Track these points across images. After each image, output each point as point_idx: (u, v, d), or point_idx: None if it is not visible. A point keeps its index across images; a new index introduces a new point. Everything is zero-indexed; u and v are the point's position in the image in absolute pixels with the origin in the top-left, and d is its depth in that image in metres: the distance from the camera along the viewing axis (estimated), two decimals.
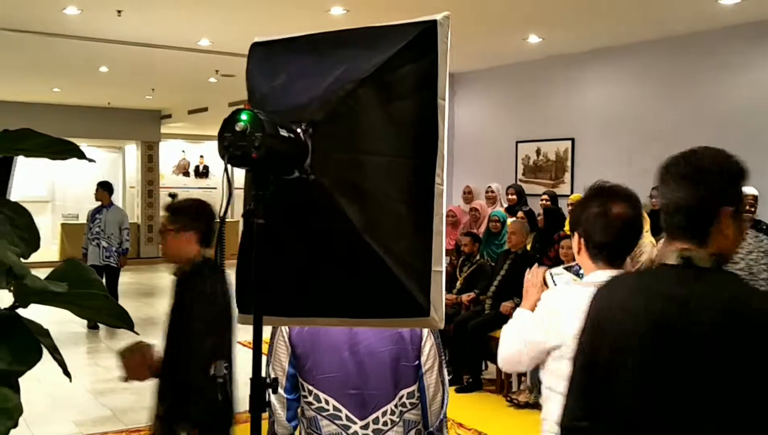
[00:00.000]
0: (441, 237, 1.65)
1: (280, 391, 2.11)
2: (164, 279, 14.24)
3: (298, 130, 1.52)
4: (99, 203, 9.17)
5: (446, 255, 8.18)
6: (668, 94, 7.96)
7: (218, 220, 1.49)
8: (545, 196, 8.07)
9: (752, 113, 7.11)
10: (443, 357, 2.17)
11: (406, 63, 1.64)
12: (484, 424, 5.46)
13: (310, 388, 2.08)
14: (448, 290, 7.48)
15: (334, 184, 1.56)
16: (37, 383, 5.79)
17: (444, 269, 1.68)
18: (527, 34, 8.04)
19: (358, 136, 1.60)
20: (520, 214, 7.58)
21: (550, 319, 2.21)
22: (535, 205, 8.25)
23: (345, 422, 2.06)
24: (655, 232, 6.33)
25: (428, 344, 2.10)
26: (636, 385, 1.55)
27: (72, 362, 6.16)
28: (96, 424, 5.77)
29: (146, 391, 6.87)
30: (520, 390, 6.08)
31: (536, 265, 2.61)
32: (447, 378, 2.16)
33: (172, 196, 17.47)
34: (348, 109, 1.58)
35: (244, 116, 1.40)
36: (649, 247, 6.26)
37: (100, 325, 9.13)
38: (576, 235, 2.22)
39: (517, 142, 9.71)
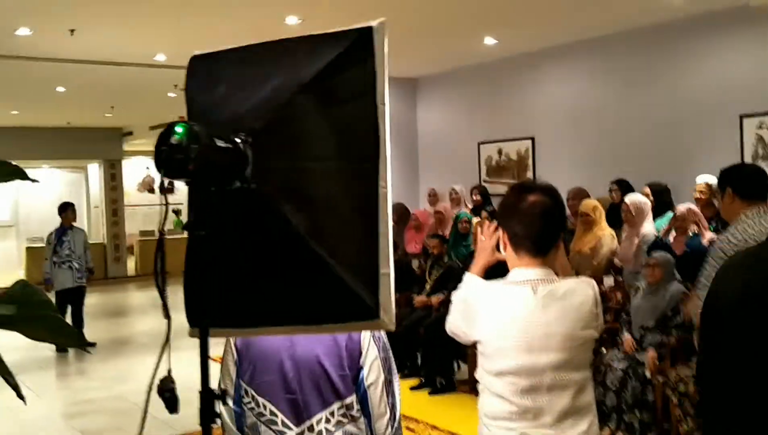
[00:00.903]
0: (387, 239, 1.66)
1: (230, 402, 2.11)
2: (133, 298, 14.10)
3: (237, 140, 1.52)
4: (59, 224, 9.02)
5: (414, 258, 8.23)
6: (624, 88, 8.08)
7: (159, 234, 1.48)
8: None
9: (707, 104, 7.24)
10: (393, 377, 2.15)
11: (344, 69, 1.65)
12: (458, 426, 5.46)
13: (252, 392, 2.09)
14: (419, 293, 7.51)
15: (277, 192, 1.56)
16: (7, 410, 5.70)
17: (392, 271, 1.69)
18: (482, 36, 8.11)
19: (299, 143, 1.61)
20: (484, 214, 7.63)
21: (468, 312, 2.23)
22: None
23: (281, 428, 2.06)
24: (614, 225, 6.43)
25: (370, 357, 2.10)
26: None
27: (42, 386, 6.10)
28: None
29: (117, 412, 6.76)
30: None
31: (487, 222, 2.60)
32: (398, 403, 2.14)
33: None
34: (288, 117, 1.59)
35: (179, 129, 1.40)
36: (609, 238, 6.36)
37: (68, 349, 8.99)
38: (501, 231, 2.24)
39: (480, 144, 9.79)
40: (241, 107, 1.62)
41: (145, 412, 1.55)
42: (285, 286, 1.59)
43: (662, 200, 6.67)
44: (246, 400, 2.10)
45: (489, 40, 8.28)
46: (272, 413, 2.08)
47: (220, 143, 1.46)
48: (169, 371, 1.49)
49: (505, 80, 9.37)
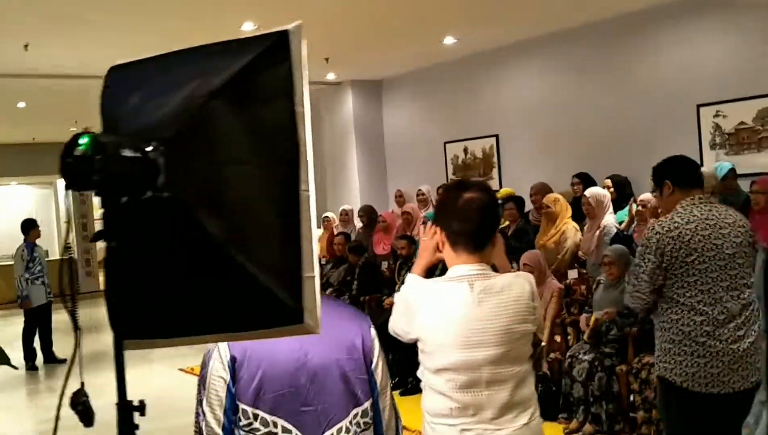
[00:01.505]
0: (311, 243, 1.66)
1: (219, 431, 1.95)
2: (105, 313, 13.95)
3: (148, 149, 1.51)
4: (23, 241, 8.92)
5: (383, 260, 8.23)
6: (583, 82, 8.13)
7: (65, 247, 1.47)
8: None
9: (665, 95, 7.31)
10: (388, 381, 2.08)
11: (260, 73, 1.65)
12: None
13: (256, 412, 1.91)
14: (389, 294, 7.50)
15: (192, 199, 1.55)
16: None
17: (317, 275, 1.68)
18: (443, 36, 8.14)
19: (215, 148, 1.59)
20: None
21: (408, 311, 2.24)
22: None
23: None
24: (577, 219, 6.48)
25: (380, 361, 2.01)
26: None
27: (11, 404, 6.02)
28: None
29: (88, 431, 6.68)
30: None
31: (429, 224, 2.60)
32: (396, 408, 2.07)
33: None
34: (202, 123, 1.58)
35: (83, 140, 1.39)
36: (572, 231, 6.41)
37: (39, 366, 8.90)
38: (438, 230, 2.26)
39: (445, 143, 9.82)
40: (154, 116, 1.61)
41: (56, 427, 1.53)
42: (205, 294, 1.58)
43: (623, 192, 6.75)
44: (246, 422, 1.91)
45: (449, 40, 8.30)
46: (285, 430, 1.91)
47: (128, 153, 1.45)
48: (82, 384, 1.47)
49: (468, 79, 9.41)
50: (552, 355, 5.56)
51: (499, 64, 9.05)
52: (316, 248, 1.68)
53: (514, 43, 8.66)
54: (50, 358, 9.03)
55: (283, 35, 1.69)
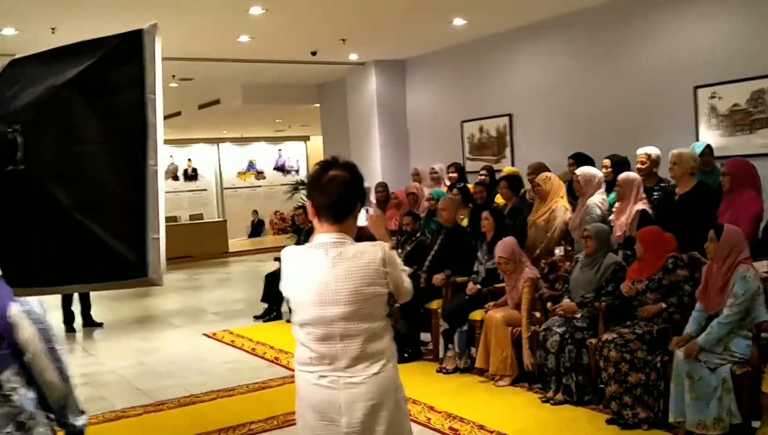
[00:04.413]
0: (157, 209, 1.99)
1: None
2: None
3: (9, 130, 1.86)
4: None
5: (392, 235, 8.54)
6: (589, 64, 8.23)
7: None
8: (483, 172, 8.37)
9: (664, 76, 7.35)
10: (55, 345, 2.50)
11: (113, 66, 1.98)
12: (409, 391, 5.78)
13: None
14: None
15: (47, 173, 1.90)
16: None
17: (163, 236, 2.01)
18: (451, 16, 8.32)
19: (69, 131, 1.94)
20: (455, 190, 7.87)
21: (283, 274, 2.53)
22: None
23: None
24: (573, 198, 6.61)
25: (26, 333, 2.44)
26: None
27: None
28: None
29: (104, 384, 7.20)
30: (448, 357, 6.41)
31: (371, 209, 2.91)
32: (65, 367, 2.48)
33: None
34: (57, 109, 1.92)
35: None
36: (561, 210, 6.55)
37: (77, 328, 9.49)
38: (308, 203, 2.53)
39: (462, 122, 10.01)
40: (22, 102, 1.95)
41: None
42: (61, 253, 1.93)
43: (622, 172, 6.82)
44: None
45: (458, 21, 8.49)
46: None
47: None
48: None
49: (483, 60, 9.58)
50: (533, 327, 5.77)
51: (511, 45, 9.20)
52: (163, 214, 2.01)
53: (523, 26, 8.83)
54: (88, 322, 9.64)
55: (137, 34, 2.02)
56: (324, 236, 2.45)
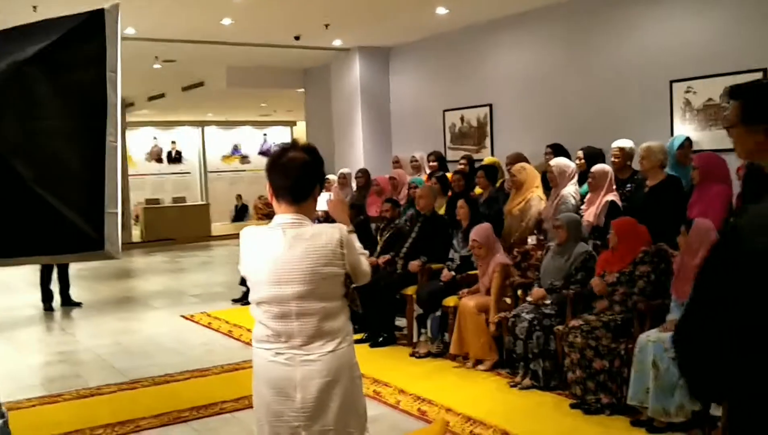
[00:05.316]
0: (116, 184, 2.05)
1: None
2: (135, 263, 14.65)
3: None
4: None
5: (372, 222, 8.60)
6: (568, 56, 8.32)
7: None
8: (463, 161, 8.44)
9: (640, 70, 7.44)
10: None
11: (74, 44, 2.04)
12: (381, 374, 5.88)
13: None
14: (371, 254, 7.88)
15: (7, 147, 1.95)
16: None
17: (119, 211, 2.07)
18: (435, 5, 8.37)
19: (29, 107, 1.99)
20: (433, 179, 7.94)
21: (241, 253, 2.58)
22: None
23: None
24: (549, 188, 6.70)
25: None
26: None
27: (23, 341, 6.65)
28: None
29: (80, 363, 7.21)
30: (421, 341, 6.50)
31: (332, 194, 2.96)
32: None
33: None
34: (16, 85, 1.98)
35: None
36: (536, 200, 6.65)
37: (55, 308, 9.50)
38: (268, 185, 2.59)
39: (444, 111, 10.07)
40: None
41: None
42: (21, 225, 1.98)
43: (595, 164, 6.91)
44: None
45: (441, 10, 8.54)
46: None
47: None
48: None
49: (465, 50, 9.64)
50: (502, 313, 5.87)
51: (491, 36, 9.27)
52: (119, 188, 2.07)
53: (503, 17, 8.92)
54: (67, 301, 9.65)
55: (99, 13, 2.07)
56: (282, 217, 2.51)
